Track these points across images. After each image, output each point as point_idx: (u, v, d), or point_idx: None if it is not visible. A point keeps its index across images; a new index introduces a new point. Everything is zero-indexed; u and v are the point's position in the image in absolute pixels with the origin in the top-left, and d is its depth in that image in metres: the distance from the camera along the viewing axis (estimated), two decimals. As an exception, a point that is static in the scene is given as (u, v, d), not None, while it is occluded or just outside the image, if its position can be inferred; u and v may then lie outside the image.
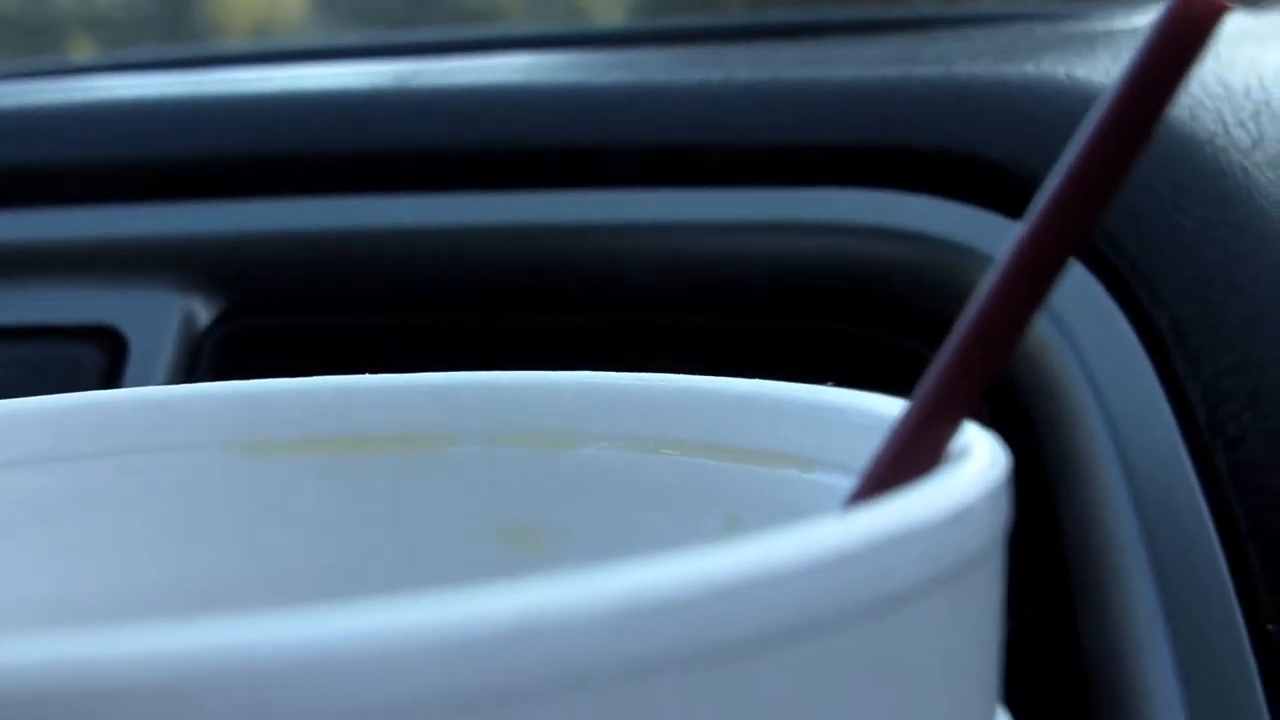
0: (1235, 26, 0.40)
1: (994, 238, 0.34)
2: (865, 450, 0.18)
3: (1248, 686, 0.29)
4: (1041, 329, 0.32)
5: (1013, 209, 0.34)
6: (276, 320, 0.38)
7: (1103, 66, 0.36)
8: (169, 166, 0.39)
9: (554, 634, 0.10)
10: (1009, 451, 0.15)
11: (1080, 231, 0.14)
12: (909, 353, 0.35)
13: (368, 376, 0.21)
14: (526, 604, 0.10)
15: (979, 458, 0.14)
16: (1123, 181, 0.14)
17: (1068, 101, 0.35)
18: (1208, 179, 0.33)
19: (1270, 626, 0.29)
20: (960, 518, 0.13)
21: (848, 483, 0.18)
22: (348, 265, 0.38)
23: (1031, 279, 0.14)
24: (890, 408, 0.17)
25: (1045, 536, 0.32)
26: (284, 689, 0.10)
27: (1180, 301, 0.32)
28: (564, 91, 0.37)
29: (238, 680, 0.10)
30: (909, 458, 0.15)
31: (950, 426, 0.15)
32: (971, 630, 0.14)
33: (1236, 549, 0.30)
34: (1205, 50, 0.14)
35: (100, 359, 0.37)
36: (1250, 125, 0.35)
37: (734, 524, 0.19)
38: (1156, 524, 0.30)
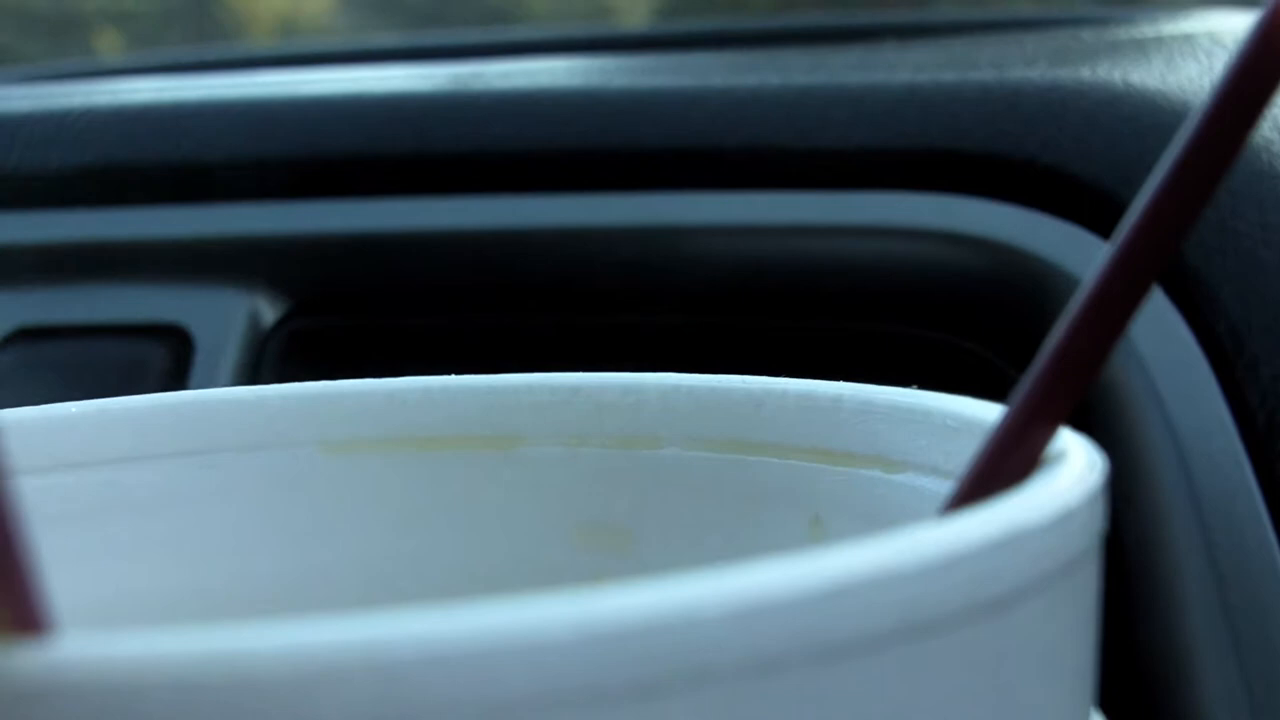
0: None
1: (1049, 240, 0.34)
2: (952, 452, 0.18)
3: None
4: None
5: (1069, 212, 0.34)
6: (340, 320, 0.38)
7: (1157, 72, 0.37)
8: (235, 168, 0.39)
9: (686, 629, 0.11)
10: (1105, 456, 0.15)
11: (1173, 242, 0.14)
12: (966, 353, 0.35)
13: (451, 378, 0.22)
14: (660, 600, 0.11)
15: (1076, 461, 0.15)
16: (1209, 201, 0.14)
17: (1124, 107, 0.35)
18: (1262, 183, 0.33)
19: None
20: (1062, 521, 0.13)
21: (934, 484, 0.18)
22: (411, 266, 0.38)
23: (1125, 289, 0.15)
24: (977, 410, 0.18)
25: (1106, 542, 0.32)
26: (420, 684, 0.10)
27: (1237, 306, 0.32)
28: (628, 95, 0.38)
29: (371, 674, 0.10)
30: (1007, 462, 0.15)
31: (1048, 431, 0.15)
32: (1071, 633, 0.14)
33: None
34: None
35: (166, 357, 0.38)
36: (1305, 130, 0.35)
37: (819, 526, 0.19)
38: (1217, 529, 0.30)
